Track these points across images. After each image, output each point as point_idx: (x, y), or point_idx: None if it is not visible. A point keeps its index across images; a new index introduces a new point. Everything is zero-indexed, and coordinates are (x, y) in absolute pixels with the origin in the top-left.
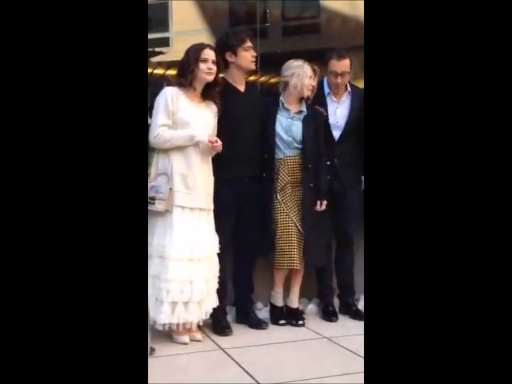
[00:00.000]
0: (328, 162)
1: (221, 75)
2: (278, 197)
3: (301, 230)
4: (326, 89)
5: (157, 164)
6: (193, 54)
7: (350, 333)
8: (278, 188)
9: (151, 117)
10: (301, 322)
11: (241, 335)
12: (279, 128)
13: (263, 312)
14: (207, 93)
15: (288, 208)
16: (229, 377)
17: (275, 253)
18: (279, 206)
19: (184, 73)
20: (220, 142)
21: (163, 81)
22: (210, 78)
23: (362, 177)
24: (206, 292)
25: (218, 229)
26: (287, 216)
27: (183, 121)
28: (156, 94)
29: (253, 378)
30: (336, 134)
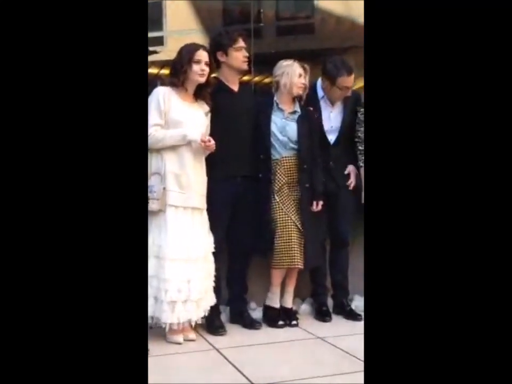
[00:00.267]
0: (324, 164)
1: (214, 75)
2: (276, 197)
3: (301, 229)
4: (320, 93)
5: (150, 164)
6: (186, 54)
7: (344, 333)
8: (276, 188)
9: None
10: (294, 322)
11: (235, 335)
12: (274, 129)
13: (256, 312)
14: (199, 93)
15: (286, 208)
16: (222, 377)
17: (274, 253)
18: (277, 206)
19: (177, 73)
20: (213, 141)
21: (157, 80)
22: (203, 79)
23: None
24: (203, 291)
25: (212, 228)
26: (287, 216)
27: (175, 121)
28: (149, 92)
29: (247, 378)
30: (331, 137)
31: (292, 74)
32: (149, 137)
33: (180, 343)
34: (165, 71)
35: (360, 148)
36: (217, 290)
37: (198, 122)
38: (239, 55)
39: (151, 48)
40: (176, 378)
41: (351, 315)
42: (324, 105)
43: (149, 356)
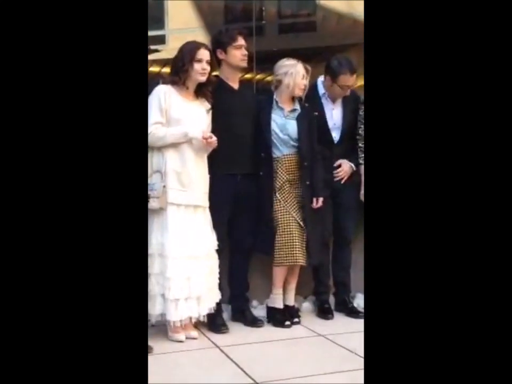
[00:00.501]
0: (328, 162)
1: (214, 73)
2: (277, 195)
3: (302, 226)
4: (321, 90)
5: (151, 162)
6: (188, 53)
7: (346, 331)
8: (277, 186)
9: None
10: (296, 320)
11: (237, 333)
12: (274, 127)
13: (258, 310)
14: (200, 91)
15: (288, 205)
16: (224, 375)
17: (275, 250)
18: (279, 204)
19: (178, 71)
20: (214, 138)
21: (158, 79)
22: (204, 78)
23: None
24: (207, 288)
25: (213, 226)
26: (288, 214)
27: (176, 119)
28: (151, 91)
29: (249, 376)
30: (335, 135)
31: (296, 75)
32: (150, 135)
33: (182, 341)
34: (167, 70)
35: (360, 145)
36: (219, 288)
37: (199, 120)
38: (238, 53)
39: (152, 47)
40: (178, 376)
41: (353, 313)
42: (325, 102)
43: (151, 354)
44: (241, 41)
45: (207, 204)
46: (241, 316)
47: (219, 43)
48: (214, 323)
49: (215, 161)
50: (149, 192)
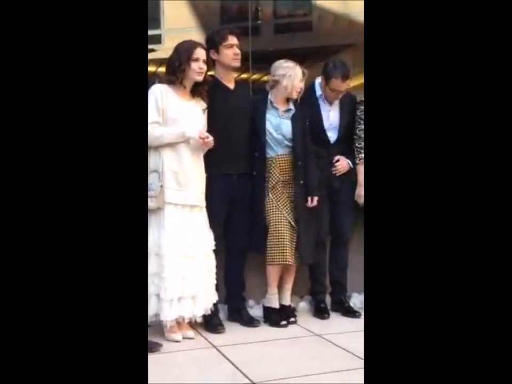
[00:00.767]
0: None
1: (210, 72)
2: (270, 195)
3: (294, 226)
4: (318, 91)
5: (148, 162)
6: (185, 52)
7: (342, 330)
8: (270, 186)
9: None
10: (292, 319)
11: (233, 333)
12: (269, 127)
13: (255, 310)
14: (196, 90)
15: (280, 205)
16: (221, 375)
17: (267, 250)
18: (271, 204)
19: (175, 71)
20: (211, 138)
21: (154, 78)
22: (201, 77)
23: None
24: (204, 288)
25: (209, 226)
26: (280, 213)
27: (173, 118)
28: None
29: (245, 375)
30: (332, 135)
31: (295, 77)
32: (147, 135)
33: (178, 341)
34: (163, 69)
35: (357, 144)
36: (215, 288)
37: (195, 120)
38: (229, 53)
39: (148, 46)
40: (174, 376)
41: (349, 312)
42: (322, 103)
43: (159, 352)
44: (232, 40)
45: (203, 203)
46: (238, 316)
47: (212, 43)
48: (210, 323)
49: (211, 161)
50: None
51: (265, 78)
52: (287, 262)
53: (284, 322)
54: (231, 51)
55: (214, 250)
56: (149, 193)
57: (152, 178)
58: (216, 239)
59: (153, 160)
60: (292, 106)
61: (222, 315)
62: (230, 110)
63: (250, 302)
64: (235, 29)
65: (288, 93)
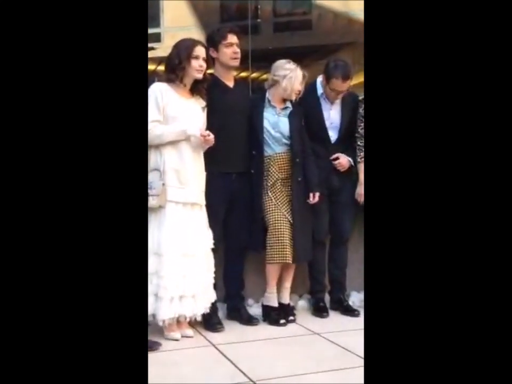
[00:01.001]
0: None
1: (210, 71)
2: (269, 193)
3: (293, 223)
4: (320, 90)
5: (148, 160)
6: (185, 50)
7: (341, 329)
8: (269, 184)
9: None
10: (291, 318)
11: (232, 331)
12: (267, 125)
13: (254, 309)
14: (195, 88)
15: (279, 203)
16: (220, 373)
17: (267, 248)
18: (270, 202)
19: (174, 69)
20: (212, 136)
21: (154, 77)
22: (200, 75)
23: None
24: (203, 286)
25: (209, 224)
26: (279, 212)
27: (173, 116)
28: None
29: (244, 374)
30: (332, 134)
31: (295, 80)
32: (148, 133)
33: (177, 340)
34: (162, 68)
35: (359, 143)
36: (214, 286)
37: (196, 117)
38: (228, 51)
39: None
40: (173, 374)
41: (348, 311)
42: (323, 102)
43: (158, 350)
44: (231, 39)
45: (204, 201)
46: (237, 314)
47: (212, 41)
48: (209, 321)
49: (211, 160)
50: (147, 191)
51: (264, 76)
52: (287, 261)
53: (283, 321)
54: (230, 50)
55: (213, 249)
56: (150, 191)
57: (153, 177)
58: (215, 237)
59: (153, 158)
60: (289, 104)
61: (221, 314)
62: (229, 109)
63: (250, 301)
64: (235, 28)
65: (287, 95)
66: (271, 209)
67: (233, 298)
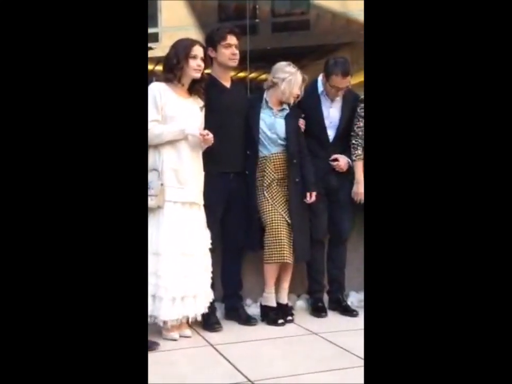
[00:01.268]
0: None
1: (207, 71)
2: (265, 193)
3: (290, 224)
4: (320, 88)
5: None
6: (183, 50)
7: (339, 329)
8: (265, 184)
9: None
10: (290, 318)
11: (231, 331)
12: (263, 126)
13: (252, 308)
14: (193, 88)
15: (276, 203)
16: (218, 373)
17: (264, 248)
18: (267, 202)
19: (172, 69)
20: (211, 135)
21: (152, 77)
22: (199, 75)
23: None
24: (202, 286)
25: (207, 224)
26: (276, 212)
27: (171, 116)
28: None
29: (243, 374)
30: (331, 133)
31: (295, 84)
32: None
33: (175, 340)
34: (160, 68)
35: (354, 141)
36: (212, 286)
37: (194, 117)
38: (227, 52)
39: None
40: (172, 374)
41: (347, 311)
42: (323, 100)
43: (156, 350)
44: (231, 40)
45: (202, 201)
46: (235, 314)
47: (210, 41)
48: (207, 321)
49: (209, 160)
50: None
51: (262, 76)
52: (285, 260)
53: (281, 321)
54: (229, 51)
55: (210, 249)
56: (149, 191)
57: (151, 177)
58: (212, 237)
59: (152, 158)
60: (286, 106)
61: (219, 313)
62: (226, 109)
63: (248, 301)
64: (235, 28)
65: (285, 98)
66: (267, 209)
67: (231, 298)
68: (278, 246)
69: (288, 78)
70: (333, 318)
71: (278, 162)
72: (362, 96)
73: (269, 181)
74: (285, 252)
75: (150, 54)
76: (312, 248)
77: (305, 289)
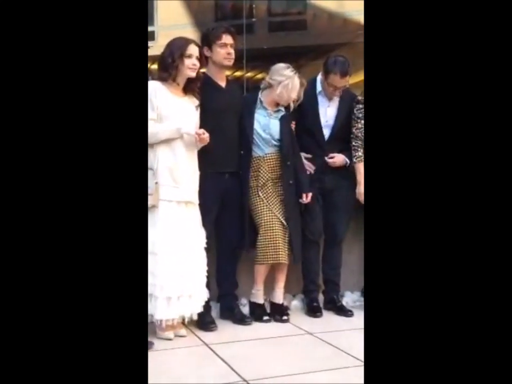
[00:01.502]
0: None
1: (202, 70)
2: (260, 193)
3: (285, 224)
4: (319, 87)
5: None
6: (178, 49)
7: (334, 329)
8: (260, 184)
9: None
10: (285, 318)
11: (226, 331)
12: (257, 127)
13: (247, 308)
14: (188, 87)
15: (271, 203)
16: (213, 373)
17: (258, 248)
18: (261, 202)
19: (167, 68)
20: (207, 134)
21: (148, 75)
22: (194, 74)
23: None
24: (197, 286)
25: (202, 224)
26: (271, 212)
27: (167, 115)
28: None
29: (237, 373)
30: (326, 133)
31: (292, 89)
32: None
33: (170, 339)
34: (156, 66)
35: (354, 143)
36: (207, 286)
37: (189, 116)
38: (222, 52)
39: None
40: (166, 374)
41: (342, 311)
42: (321, 99)
43: (151, 349)
44: (226, 39)
45: (197, 200)
46: (230, 314)
47: (206, 40)
48: (202, 321)
49: (204, 159)
50: None
51: (259, 75)
52: (280, 261)
53: (266, 318)
54: (224, 50)
55: (206, 248)
56: None
57: None
58: (208, 237)
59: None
60: (282, 108)
61: (214, 313)
62: (221, 108)
63: (243, 300)
64: (231, 28)
65: (283, 101)
66: (262, 209)
67: (226, 298)
68: (272, 247)
69: (285, 82)
70: (328, 318)
71: (272, 163)
72: (359, 96)
73: (263, 181)
74: (280, 252)
75: None
76: (307, 248)
77: (301, 289)
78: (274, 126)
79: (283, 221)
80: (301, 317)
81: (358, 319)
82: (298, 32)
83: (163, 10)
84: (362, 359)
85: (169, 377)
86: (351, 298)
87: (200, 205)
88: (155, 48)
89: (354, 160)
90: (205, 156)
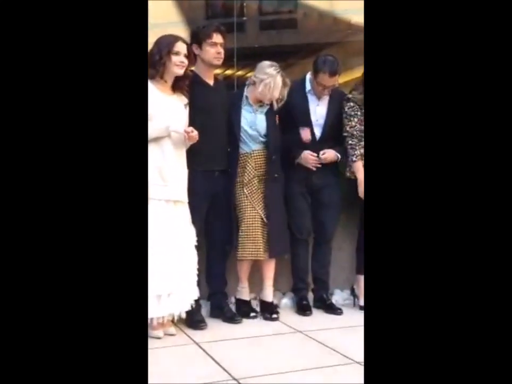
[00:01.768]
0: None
1: (191, 68)
2: (245, 190)
3: (265, 221)
4: (308, 86)
5: None
6: (165, 46)
7: (324, 327)
8: (245, 181)
9: None
10: (274, 316)
11: (215, 329)
12: (244, 123)
13: None
14: (177, 85)
15: (254, 201)
16: (203, 371)
17: (239, 245)
18: (245, 199)
19: (155, 65)
20: (196, 132)
21: None
22: (181, 71)
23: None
24: (187, 284)
25: (191, 222)
26: (253, 209)
27: (155, 113)
28: None
29: (227, 372)
30: (317, 131)
31: (274, 88)
32: None
33: (159, 338)
34: None
35: (350, 142)
36: (197, 284)
37: (178, 114)
38: (212, 50)
39: None
40: (156, 372)
41: (331, 309)
42: (310, 98)
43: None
44: (217, 38)
45: (186, 199)
46: (220, 312)
47: (196, 38)
48: (192, 319)
49: (193, 158)
50: None
51: (249, 74)
52: (258, 257)
53: (253, 314)
54: (214, 49)
55: (196, 247)
56: None
57: None
58: (197, 234)
59: None
60: (265, 104)
61: (204, 311)
62: (209, 107)
63: (233, 299)
64: (221, 27)
65: (266, 99)
66: (244, 206)
67: (216, 296)
68: (251, 243)
69: (267, 81)
70: (318, 316)
71: (259, 159)
72: (349, 95)
73: (249, 178)
74: (260, 248)
75: None
76: (296, 246)
77: (290, 287)
78: (261, 122)
79: (264, 218)
80: (291, 315)
81: (348, 317)
82: (289, 30)
83: (154, 8)
84: (351, 357)
85: (158, 376)
86: (341, 296)
87: (189, 203)
88: None
89: (354, 159)
90: (194, 154)
